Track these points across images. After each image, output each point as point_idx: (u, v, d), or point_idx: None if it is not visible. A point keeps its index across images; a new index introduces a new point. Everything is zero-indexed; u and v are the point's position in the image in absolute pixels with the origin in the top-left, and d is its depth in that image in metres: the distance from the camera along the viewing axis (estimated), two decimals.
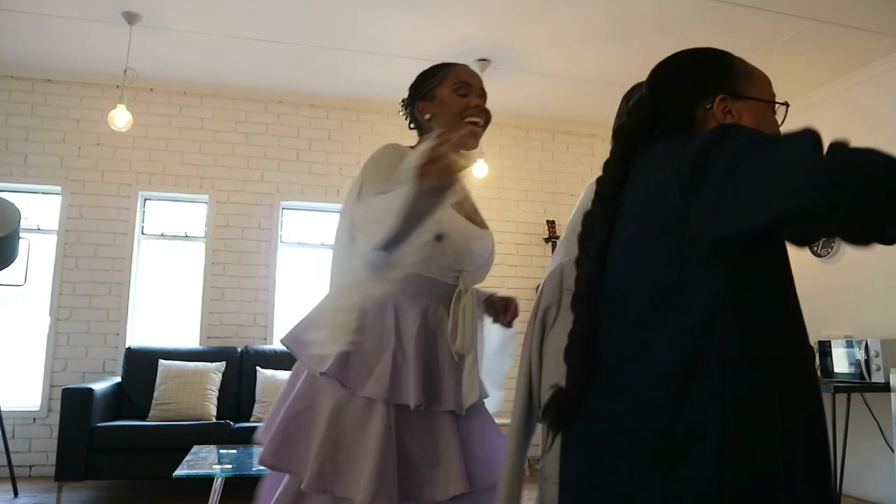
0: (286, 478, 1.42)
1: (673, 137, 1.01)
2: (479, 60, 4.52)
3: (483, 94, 1.63)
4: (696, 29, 4.04)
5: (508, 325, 1.64)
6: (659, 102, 1.06)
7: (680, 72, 1.08)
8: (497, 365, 1.73)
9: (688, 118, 1.03)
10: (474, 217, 1.60)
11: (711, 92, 1.03)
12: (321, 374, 1.40)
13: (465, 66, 1.64)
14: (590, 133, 5.78)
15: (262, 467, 1.44)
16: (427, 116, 1.59)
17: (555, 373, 1.15)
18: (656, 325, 0.90)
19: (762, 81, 1.08)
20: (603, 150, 6.06)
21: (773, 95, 1.08)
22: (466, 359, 1.47)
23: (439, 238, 1.49)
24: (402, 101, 1.67)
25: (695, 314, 0.87)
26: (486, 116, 1.61)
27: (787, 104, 1.09)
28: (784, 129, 1.04)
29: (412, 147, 1.58)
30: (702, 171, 0.87)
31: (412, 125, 1.68)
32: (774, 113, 1.07)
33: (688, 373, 0.86)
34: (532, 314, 1.29)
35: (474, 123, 1.55)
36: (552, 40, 4.28)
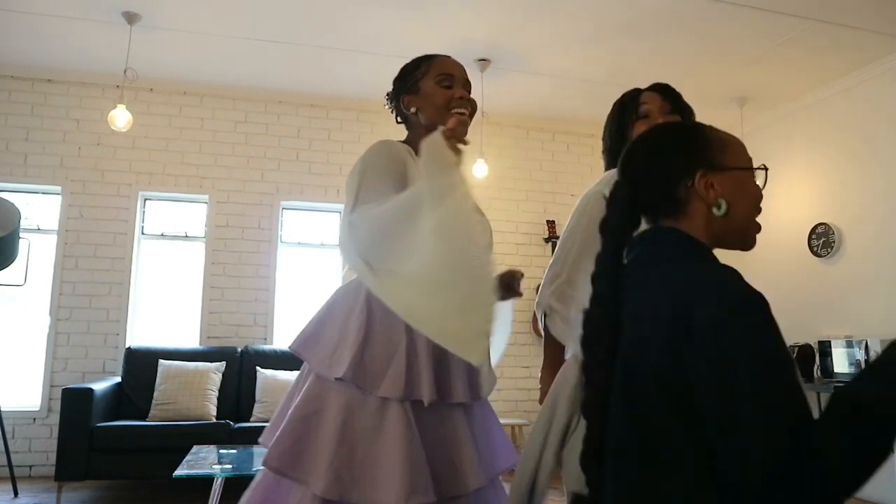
0: (293, 488, 1.39)
1: (671, 257, 0.99)
2: (479, 60, 4.52)
3: (467, 84, 1.62)
4: (696, 29, 4.04)
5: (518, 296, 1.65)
6: (637, 186, 1.05)
7: (656, 154, 1.06)
8: (498, 340, 1.75)
9: (669, 198, 1.02)
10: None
11: (691, 169, 1.02)
12: (336, 378, 1.37)
13: (447, 57, 1.63)
14: (590, 133, 5.78)
15: (263, 468, 1.42)
16: (412, 110, 1.60)
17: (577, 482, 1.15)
18: (630, 454, 0.92)
19: (737, 147, 1.07)
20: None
21: (750, 160, 1.08)
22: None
23: None
24: (387, 94, 1.68)
25: (651, 478, 0.89)
26: (472, 106, 1.60)
27: (765, 168, 1.08)
28: (766, 190, 1.07)
29: (403, 142, 1.60)
30: (681, 342, 0.87)
31: (398, 119, 1.69)
32: (754, 178, 1.07)
33: None
34: (545, 421, 1.25)
35: (461, 114, 1.54)
36: (552, 40, 4.28)
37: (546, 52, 4.45)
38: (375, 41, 4.30)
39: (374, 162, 1.50)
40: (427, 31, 4.16)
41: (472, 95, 1.64)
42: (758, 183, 1.06)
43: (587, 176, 5.79)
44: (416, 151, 1.57)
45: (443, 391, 1.40)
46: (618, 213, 1.05)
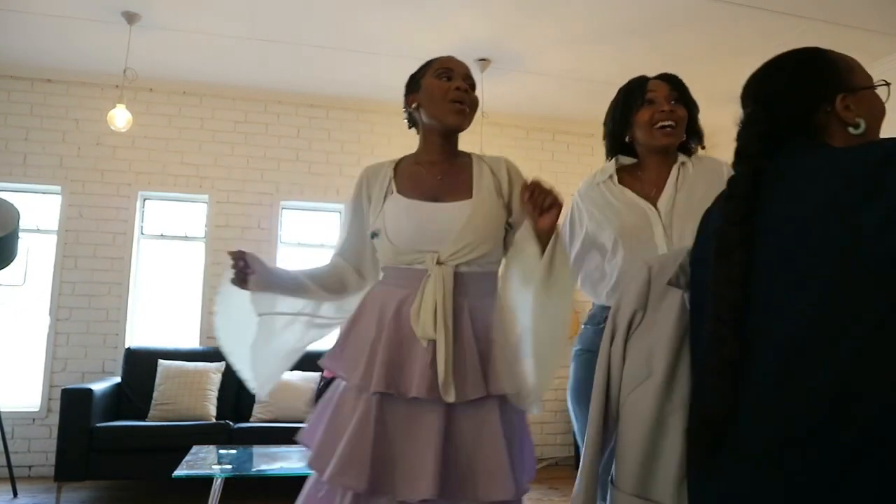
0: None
1: (814, 149, 1.00)
2: (479, 60, 4.51)
3: (468, 79, 1.61)
4: (696, 29, 4.04)
5: (551, 208, 1.42)
6: (774, 112, 1.07)
7: (796, 80, 1.09)
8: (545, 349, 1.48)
9: (808, 124, 1.05)
10: (443, 192, 1.56)
11: (831, 93, 1.05)
12: (322, 366, 1.55)
13: (449, 56, 1.65)
14: (590, 133, 5.77)
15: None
16: (415, 105, 1.62)
17: (638, 374, 1.16)
18: (817, 344, 0.87)
19: (860, 67, 1.11)
20: (603, 150, 6.04)
21: (871, 78, 1.11)
22: (438, 345, 1.40)
23: (374, 235, 1.57)
24: (403, 98, 1.72)
25: (861, 332, 0.85)
26: (471, 99, 1.60)
27: (887, 83, 1.12)
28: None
29: (389, 162, 1.71)
30: (879, 186, 0.86)
31: (410, 124, 1.73)
32: (878, 95, 1.10)
33: (853, 393, 0.84)
34: (611, 317, 1.25)
35: (456, 102, 1.56)
36: (552, 40, 4.28)
37: (546, 52, 4.45)
38: (375, 41, 4.30)
39: (347, 206, 1.73)
40: (427, 31, 4.16)
41: (474, 94, 1.64)
42: (882, 101, 1.10)
43: (587, 176, 5.78)
44: (419, 157, 1.67)
45: (394, 383, 1.41)
46: (754, 140, 1.06)
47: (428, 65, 1.65)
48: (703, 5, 3.78)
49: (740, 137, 1.09)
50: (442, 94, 1.56)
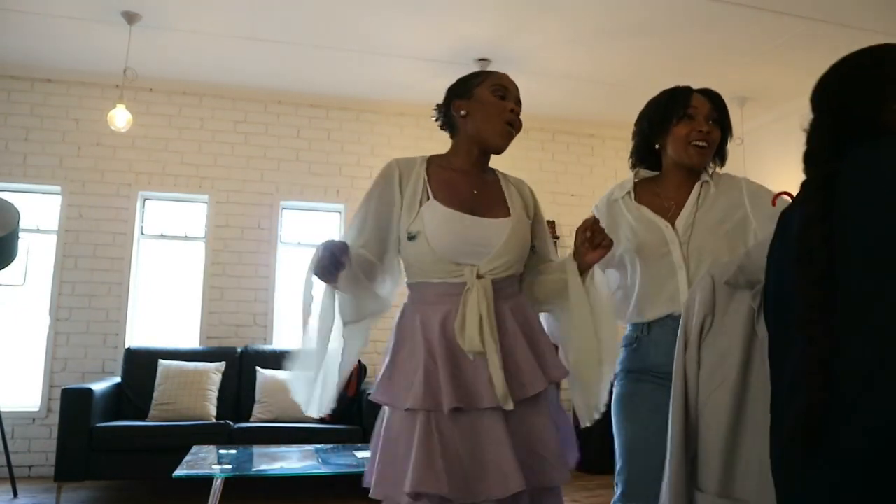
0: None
1: (884, 147, 1.03)
2: (479, 60, 4.51)
3: (519, 103, 1.64)
4: (696, 29, 4.04)
5: (602, 245, 1.54)
6: (838, 114, 1.09)
7: (858, 81, 1.12)
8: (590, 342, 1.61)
9: (876, 123, 1.07)
10: (480, 206, 1.57)
11: (894, 91, 1.07)
12: (372, 399, 1.52)
13: (503, 75, 1.66)
14: (590, 133, 5.78)
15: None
16: (462, 112, 1.61)
17: (714, 376, 1.21)
18: None
19: None
20: (603, 150, 6.06)
21: None
22: (488, 356, 1.44)
23: (411, 237, 1.53)
24: (437, 105, 1.69)
25: None
26: (518, 123, 1.63)
27: None
28: None
29: (446, 153, 1.66)
30: None
31: (444, 126, 1.69)
32: None
33: None
34: (682, 327, 1.29)
35: (510, 124, 1.59)
36: (552, 40, 4.28)
37: (546, 52, 4.45)
38: (375, 41, 4.30)
39: (366, 199, 1.62)
40: (427, 31, 4.16)
41: (520, 111, 1.66)
42: None
43: (587, 176, 5.79)
44: (452, 163, 1.63)
45: (467, 397, 1.43)
46: (823, 143, 1.08)
47: (484, 75, 1.65)
48: (704, 5, 3.78)
49: (809, 141, 1.11)
50: (498, 112, 1.57)
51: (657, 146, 1.83)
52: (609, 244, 1.53)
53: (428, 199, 1.54)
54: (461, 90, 1.64)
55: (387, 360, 1.53)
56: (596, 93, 5.04)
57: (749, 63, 4.49)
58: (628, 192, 1.87)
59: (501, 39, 4.28)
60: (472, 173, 1.63)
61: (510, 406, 1.42)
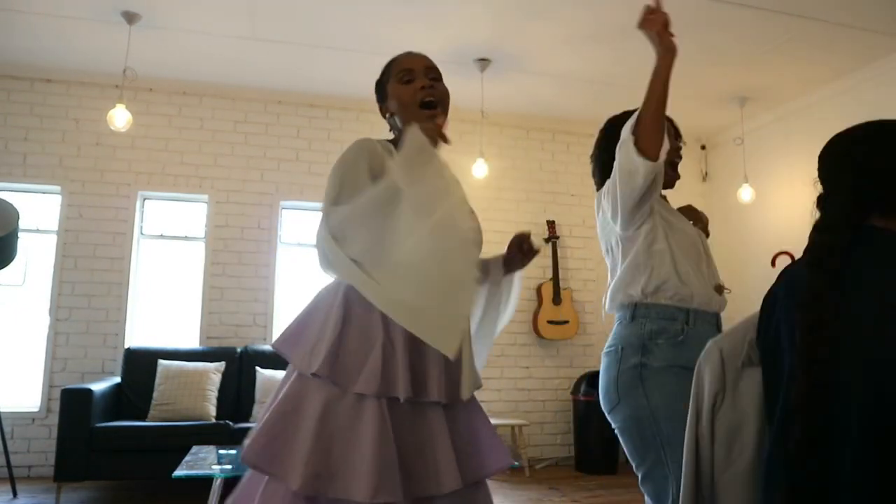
0: (266, 482, 1.39)
1: (890, 235, 1.06)
2: (479, 60, 4.51)
3: (430, 72, 1.56)
4: (696, 29, 4.03)
5: (530, 251, 1.74)
6: (861, 185, 1.11)
7: (878, 155, 1.13)
8: (486, 334, 1.73)
9: (891, 199, 1.09)
10: None
11: None
12: (312, 374, 1.36)
13: (406, 53, 1.61)
14: (590, 133, 5.71)
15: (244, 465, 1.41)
16: (388, 115, 1.61)
17: (732, 449, 1.23)
18: None
19: None
20: None
21: None
22: (464, 346, 1.40)
23: None
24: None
25: None
26: (439, 93, 1.54)
27: None
28: None
29: (389, 141, 1.59)
30: None
31: (392, 131, 1.66)
32: None
33: None
34: (693, 400, 1.29)
35: (429, 106, 1.52)
36: (552, 40, 4.28)
37: (546, 52, 4.45)
38: (375, 41, 4.30)
39: (353, 160, 1.46)
40: (427, 31, 4.16)
41: (442, 85, 1.58)
42: None
43: (587, 176, 5.71)
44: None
45: (418, 388, 1.37)
46: (844, 213, 1.10)
47: (388, 69, 1.61)
48: (704, 6, 3.77)
49: (824, 208, 1.13)
50: (409, 98, 1.52)
51: None
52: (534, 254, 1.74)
53: None
54: (379, 93, 1.62)
55: (329, 333, 1.38)
56: (596, 93, 5.04)
57: (749, 63, 4.49)
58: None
59: (501, 39, 4.28)
60: None
61: (466, 396, 1.43)
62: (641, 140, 1.57)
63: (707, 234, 1.92)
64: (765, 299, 1.20)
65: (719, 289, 1.75)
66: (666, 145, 1.63)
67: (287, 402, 1.38)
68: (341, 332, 1.39)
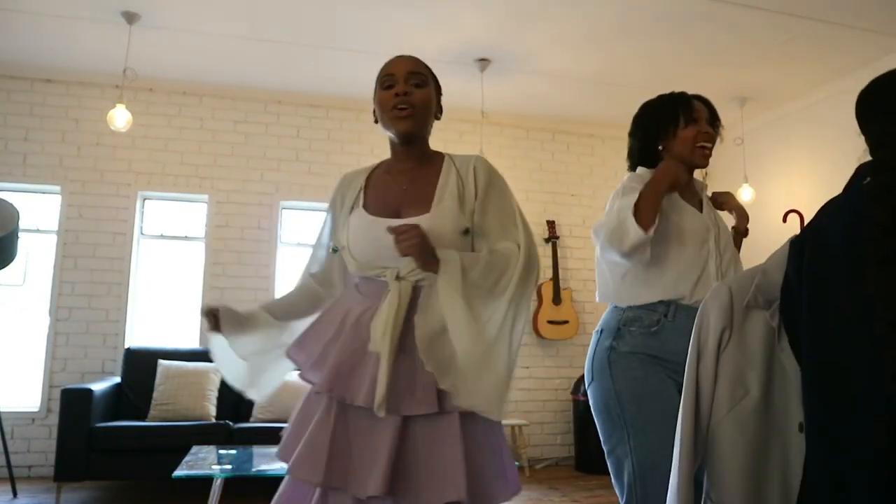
0: None
1: None
2: (479, 60, 4.51)
3: (412, 76, 1.56)
4: (696, 29, 4.03)
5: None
6: None
7: None
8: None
9: None
10: (405, 204, 1.54)
11: None
12: (287, 354, 1.59)
13: (394, 58, 1.62)
14: (590, 133, 5.78)
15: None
16: (374, 117, 1.64)
17: (735, 391, 1.22)
18: None
19: None
20: (603, 150, 6.06)
21: None
22: (381, 359, 1.39)
23: (335, 250, 1.60)
24: None
25: None
26: (414, 100, 1.54)
27: None
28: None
29: (369, 167, 1.69)
30: None
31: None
32: None
33: None
34: (696, 336, 1.28)
35: (399, 109, 1.53)
36: (552, 40, 4.28)
37: (546, 52, 4.45)
38: (375, 41, 4.29)
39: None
40: (427, 31, 4.16)
41: (422, 91, 1.56)
42: None
43: (587, 176, 5.79)
44: (391, 165, 1.63)
45: (341, 388, 1.43)
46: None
47: (381, 70, 1.62)
48: (704, 6, 3.77)
49: (882, 150, 1.12)
50: (386, 102, 1.55)
51: (661, 148, 1.88)
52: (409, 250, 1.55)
53: (356, 207, 1.59)
54: (374, 94, 1.63)
55: (310, 323, 1.60)
56: (596, 93, 5.04)
57: (749, 63, 4.48)
58: None
59: (501, 39, 4.28)
60: (409, 168, 1.60)
61: (380, 414, 1.37)
62: (638, 214, 1.66)
63: (743, 230, 1.94)
64: (799, 239, 1.19)
65: None
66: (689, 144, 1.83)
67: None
68: (312, 325, 1.61)
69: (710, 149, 1.87)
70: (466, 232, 1.52)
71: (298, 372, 1.55)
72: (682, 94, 1.89)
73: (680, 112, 1.85)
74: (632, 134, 1.97)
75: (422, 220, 1.47)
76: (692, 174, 1.91)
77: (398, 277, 1.45)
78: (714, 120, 1.90)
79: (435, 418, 1.41)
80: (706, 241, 1.81)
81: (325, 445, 1.40)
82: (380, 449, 1.38)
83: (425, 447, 1.41)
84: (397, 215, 1.52)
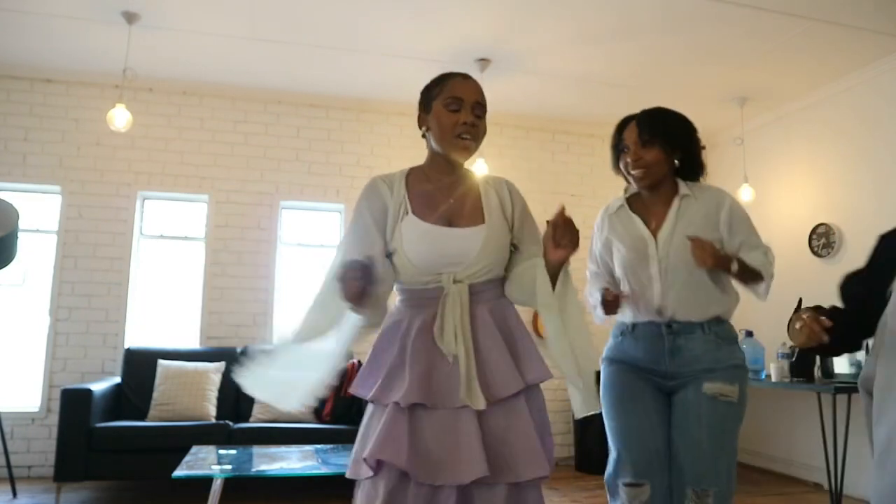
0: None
1: None
2: (479, 60, 4.51)
3: (478, 107, 1.65)
4: (696, 29, 4.03)
5: (572, 244, 1.54)
6: None
7: None
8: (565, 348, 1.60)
9: None
10: (456, 215, 1.61)
11: None
12: (353, 393, 1.60)
13: (461, 80, 1.66)
14: (590, 133, 5.77)
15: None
16: (424, 129, 1.67)
17: None
18: None
19: None
20: (603, 150, 6.04)
21: None
22: (459, 358, 1.50)
23: (390, 254, 1.60)
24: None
25: None
26: (478, 131, 1.65)
27: None
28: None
29: (401, 172, 1.69)
30: None
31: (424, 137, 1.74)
32: None
33: None
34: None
35: (463, 138, 1.61)
36: (552, 40, 4.28)
37: (546, 52, 4.45)
38: (375, 41, 4.29)
39: (356, 207, 1.69)
40: (427, 31, 4.16)
41: (483, 122, 1.68)
42: None
43: (587, 176, 5.79)
44: (429, 174, 1.67)
45: (430, 395, 1.48)
46: None
47: (442, 85, 1.65)
48: (703, 6, 3.77)
49: None
50: (450, 127, 1.60)
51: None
52: (572, 245, 1.53)
53: (407, 213, 1.61)
54: (425, 102, 1.68)
55: (369, 355, 1.62)
56: (596, 93, 5.04)
57: (749, 63, 4.48)
58: (620, 206, 2.07)
59: (501, 39, 4.28)
60: (449, 182, 1.67)
61: (480, 406, 1.47)
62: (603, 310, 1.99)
63: (708, 260, 1.88)
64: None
65: (660, 311, 1.94)
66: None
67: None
68: (373, 351, 1.63)
69: (644, 171, 1.98)
70: (515, 248, 1.67)
71: (367, 398, 1.57)
72: (618, 123, 2.06)
73: (614, 147, 2.06)
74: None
75: (478, 231, 1.59)
76: (663, 189, 2.02)
77: (455, 281, 1.55)
78: (651, 136, 1.97)
79: (505, 402, 1.51)
80: (645, 269, 1.97)
81: (404, 432, 1.44)
82: (466, 438, 1.44)
83: (503, 428, 1.50)
84: (449, 225, 1.59)
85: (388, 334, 1.59)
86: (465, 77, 1.67)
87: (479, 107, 1.65)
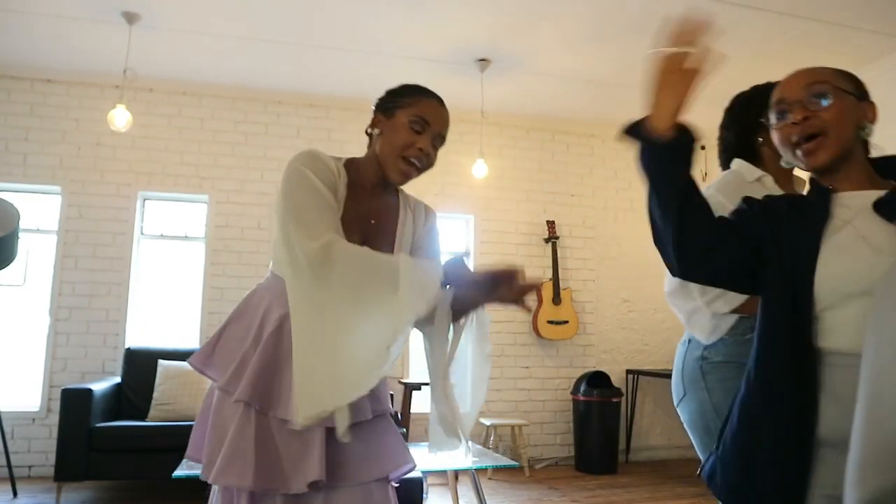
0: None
1: None
2: (479, 60, 4.51)
3: (439, 138, 1.53)
4: None
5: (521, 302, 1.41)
6: None
7: None
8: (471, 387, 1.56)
9: None
10: (372, 238, 1.51)
11: None
12: (190, 364, 1.50)
13: (436, 104, 1.54)
14: (590, 133, 5.78)
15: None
16: (376, 130, 1.57)
17: None
18: None
19: None
20: (603, 150, 6.06)
21: None
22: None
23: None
24: (376, 102, 1.63)
25: None
26: (427, 161, 1.52)
27: None
28: None
29: (338, 159, 1.60)
30: None
31: (367, 130, 1.64)
32: None
33: None
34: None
35: (410, 162, 1.50)
36: (552, 40, 4.28)
37: (546, 52, 4.45)
38: (375, 41, 4.30)
39: (307, 177, 1.55)
40: (427, 31, 4.16)
41: (435, 155, 1.55)
42: None
43: (587, 176, 5.79)
44: (361, 175, 1.58)
45: (265, 399, 1.39)
46: None
47: (413, 97, 1.53)
48: (704, 6, 3.76)
49: None
50: (402, 146, 1.49)
51: (760, 140, 1.79)
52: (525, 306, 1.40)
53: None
54: (387, 104, 1.55)
55: (220, 328, 1.52)
56: (596, 93, 5.04)
57: (749, 63, 4.48)
58: (759, 179, 1.77)
59: (501, 39, 4.28)
60: (377, 193, 1.58)
61: (346, 440, 1.29)
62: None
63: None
64: None
65: None
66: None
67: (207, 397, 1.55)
68: (224, 328, 1.53)
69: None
70: None
71: (211, 378, 1.48)
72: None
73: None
74: (725, 127, 1.85)
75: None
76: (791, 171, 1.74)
77: None
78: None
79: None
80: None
81: (251, 448, 1.36)
82: (311, 444, 1.36)
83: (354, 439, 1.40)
84: (363, 242, 1.46)
85: (248, 314, 1.49)
86: (441, 103, 1.55)
87: (440, 139, 1.53)
